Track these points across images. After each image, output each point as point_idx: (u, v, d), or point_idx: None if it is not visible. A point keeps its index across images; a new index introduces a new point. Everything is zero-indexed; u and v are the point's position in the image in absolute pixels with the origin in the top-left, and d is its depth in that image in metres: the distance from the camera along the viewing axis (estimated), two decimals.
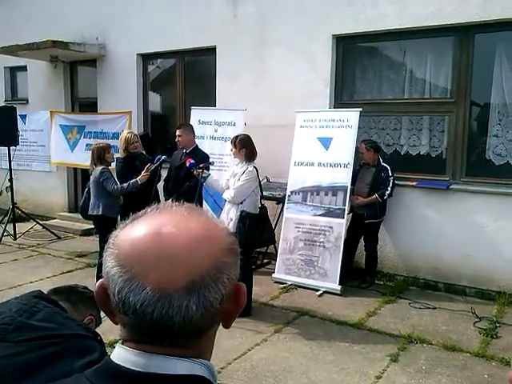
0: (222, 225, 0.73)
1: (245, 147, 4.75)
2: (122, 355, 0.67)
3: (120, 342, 0.70)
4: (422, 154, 5.71)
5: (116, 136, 7.57)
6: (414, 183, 5.53)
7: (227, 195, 4.75)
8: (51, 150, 8.39)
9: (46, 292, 1.38)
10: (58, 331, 1.07)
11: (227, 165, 6.06)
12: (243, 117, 6.15)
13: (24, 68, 8.96)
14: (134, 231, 0.67)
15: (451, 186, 5.36)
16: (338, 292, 5.25)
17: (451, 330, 4.46)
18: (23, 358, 0.99)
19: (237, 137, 4.87)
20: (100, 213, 5.12)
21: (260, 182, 4.94)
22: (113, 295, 0.65)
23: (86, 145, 7.92)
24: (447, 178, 5.47)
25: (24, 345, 1.01)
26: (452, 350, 4.04)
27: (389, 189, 5.35)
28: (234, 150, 4.81)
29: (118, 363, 0.67)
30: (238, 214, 4.61)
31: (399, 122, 5.86)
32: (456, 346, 4.08)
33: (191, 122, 6.26)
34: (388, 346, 4.12)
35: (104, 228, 5.20)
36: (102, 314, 1.97)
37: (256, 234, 4.59)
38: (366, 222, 5.45)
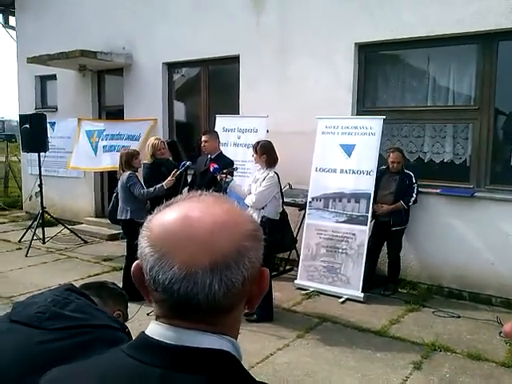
0: (245, 212, 0.79)
1: (266, 153, 4.81)
2: (155, 330, 0.73)
3: (154, 318, 0.76)
4: (445, 161, 5.68)
5: (131, 138, 7.71)
6: (438, 190, 5.49)
7: (249, 201, 4.81)
8: (72, 154, 8.55)
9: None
10: (89, 321, 1.14)
11: (249, 171, 6.13)
12: (265, 124, 6.22)
13: (54, 77, 9.24)
14: (165, 215, 0.74)
15: (475, 194, 5.31)
16: (361, 299, 5.24)
17: (476, 339, 4.42)
18: (57, 344, 1.06)
19: (258, 142, 4.93)
20: (128, 217, 5.24)
21: (281, 187, 4.99)
22: (146, 273, 0.72)
23: (103, 147, 8.05)
24: (471, 186, 5.42)
25: (58, 333, 1.08)
26: (477, 359, 4.00)
27: (414, 195, 5.34)
28: (255, 155, 4.87)
29: (152, 336, 0.73)
30: (259, 219, 4.66)
31: (422, 129, 5.84)
32: (481, 355, 4.04)
33: (216, 130, 6.36)
34: (411, 353, 4.10)
35: (132, 232, 5.31)
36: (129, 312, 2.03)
37: (277, 239, 4.64)
38: (392, 230, 5.44)
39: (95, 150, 8.25)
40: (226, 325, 0.75)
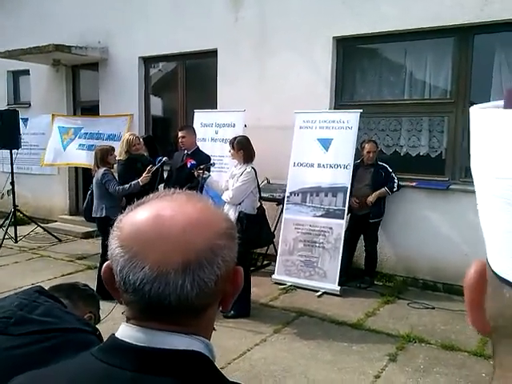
0: (219, 211, 0.76)
1: (243, 148, 4.78)
2: (125, 332, 0.71)
3: (125, 320, 0.74)
4: (421, 154, 5.73)
5: (112, 137, 7.59)
6: (414, 183, 5.54)
7: (226, 196, 4.77)
8: (46, 150, 8.40)
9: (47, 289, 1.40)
10: (57, 325, 1.09)
11: (227, 166, 6.08)
12: (243, 118, 6.18)
13: (27, 72, 9.03)
14: (136, 215, 0.71)
15: (451, 187, 5.37)
16: (338, 293, 5.25)
17: (450, 329, 4.46)
18: (25, 350, 1.01)
19: (235, 138, 4.90)
20: (104, 215, 5.14)
21: (258, 182, 4.96)
22: (116, 275, 0.70)
23: (79, 145, 7.90)
24: (447, 179, 5.48)
25: (25, 338, 1.03)
26: (450, 349, 4.04)
27: (395, 181, 5.38)
28: (232, 151, 4.83)
29: (122, 339, 0.71)
30: (237, 214, 4.62)
31: (399, 123, 5.88)
32: (454, 345, 4.08)
33: (194, 125, 6.30)
34: (386, 345, 4.12)
35: (107, 230, 5.18)
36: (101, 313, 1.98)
37: (254, 234, 4.61)
38: (370, 222, 5.48)
39: (66, 145, 8.09)
40: (199, 325, 0.73)
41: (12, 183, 7.52)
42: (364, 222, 5.52)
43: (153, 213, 0.70)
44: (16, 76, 9.51)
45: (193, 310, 0.70)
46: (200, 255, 0.67)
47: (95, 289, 5.21)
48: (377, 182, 5.44)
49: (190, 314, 0.70)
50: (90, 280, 5.46)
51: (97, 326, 1.80)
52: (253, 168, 4.74)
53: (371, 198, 5.43)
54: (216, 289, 0.70)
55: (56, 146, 8.18)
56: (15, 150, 7.51)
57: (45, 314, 1.10)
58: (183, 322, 0.70)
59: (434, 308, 4.94)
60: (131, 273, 0.67)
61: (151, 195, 0.76)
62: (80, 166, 8.08)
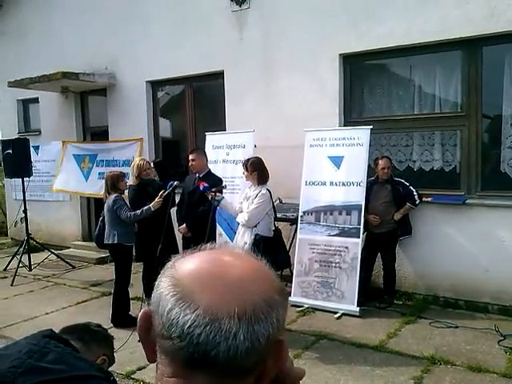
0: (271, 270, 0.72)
1: (256, 170, 4.75)
2: None
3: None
4: (435, 169, 5.65)
5: (127, 163, 7.62)
6: (429, 199, 5.45)
7: (241, 219, 4.72)
8: (57, 176, 8.45)
9: (57, 331, 1.35)
10: (69, 373, 1.03)
11: (239, 187, 6.05)
12: (252, 138, 6.16)
13: (36, 100, 9.12)
14: (194, 257, 0.68)
15: (467, 201, 5.27)
16: (357, 314, 5.14)
17: (475, 349, 4.33)
18: None
19: (248, 160, 4.87)
20: (116, 241, 5.11)
21: (274, 204, 4.91)
22: (160, 318, 0.63)
23: (99, 173, 7.97)
24: (462, 193, 5.39)
25: None
26: (478, 370, 3.91)
27: (415, 194, 5.30)
28: (245, 173, 4.80)
29: None
30: (253, 237, 4.57)
31: (411, 138, 5.82)
32: (482, 366, 3.95)
33: (206, 148, 6.29)
34: (411, 368, 4.00)
35: (120, 256, 5.19)
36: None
37: (271, 257, 4.52)
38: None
39: (87, 175, 8.16)
40: None
41: (25, 211, 7.53)
42: (381, 240, 5.43)
43: (212, 255, 0.68)
44: (26, 104, 9.62)
45: (237, 370, 0.62)
46: (256, 306, 0.62)
47: (110, 315, 5.19)
48: (397, 198, 5.37)
49: (233, 373, 0.63)
50: (105, 307, 5.45)
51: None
52: (268, 189, 4.70)
53: (397, 216, 5.36)
54: (263, 351, 0.63)
55: (75, 174, 8.25)
56: (27, 178, 7.54)
57: (55, 361, 1.04)
58: (224, 382, 0.62)
59: (457, 327, 4.81)
60: (182, 313, 0.61)
61: (207, 245, 0.72)
62: (98, 196, 8.09)
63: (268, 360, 0.65)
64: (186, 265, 0.66)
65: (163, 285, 0.65)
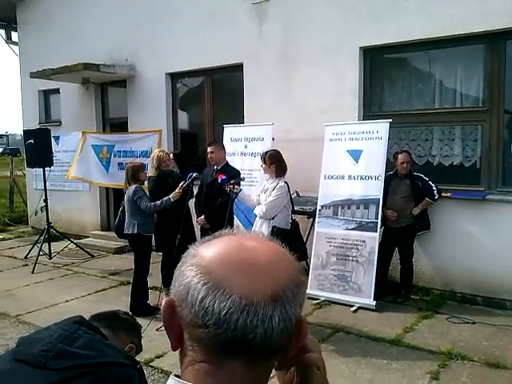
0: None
1: (275, 162, 4.76)
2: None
3: (173, 374, 0.68)
4: (455, 164, 5.60)
5: (144, 154, 7.68)
6: (449, 194, 5.40)
7: (259, 211, 4.75)
8: (72, 164, 8.56)
9: (87, 318, 1.38)
10: (97, 359, 1.06)
11: (256, 180, 6.07)
12: (271, 131, 6.16)
13: (57, 91, 9.24)
14: (216, 244, 0.69)
15: (487, 197, 5.22)
16: (373, 307, 5.15)
17: (493, 345, 4.31)
18: None
19: (266, 152, 4.88)
20: (136, 231, 5.18)
21: (291, 197, 4.92)
22: (191, 307, 0.64)
23: (118, 164, 8.04)
24: (482, 188, 5.34)
25: (64, 372, 1.00)
26: (496, 366, 3.89)
27: (434, 188, 5.28)
28: (264, 165, 4.82)
29: None
30: (270, 229, 4.59)
31: (430, 132, 5.77)
32: (500, 362, 3.94)
33: (224, 140, 6.32)
34: (427, 362, 4.01)
35: (140, 246, 5.26)
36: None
37: (288, 250, 4.55)
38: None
39: (106, 166, 8.24)
40: (266, 371, 0.68)
41: (45, 200, 7.66)
42: (399, 235, 5.41)
43: (235, 241, 0.69)
44: (47, 95, 9.75)
45: (271, 351, 0.64)
46: (286, 288, 0.65)
47: (129, 304, 5.27)
48: (416, 193, 5.34)
49: (268, 354, 0.65)
50: (124, 296, 5.54)
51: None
52: (285, 182, 4.71)
53: (416, 211, 5.35)
54: (293, 330, 0.66)
55: (96, 165, 8.37)
56: (48, 168, 7.66)
57: (85, 346, 1.07)
58: (258, 364, 0.65)
59: (474, 323, 4.79)
60: (216, 301, 0.61)
61: (223, 231, 0.73)
62: (119, 187, 8.15)
63: (293, 338, 0.68)
64: (212, 252, 0.67)
65: (190, 273, 0.65)
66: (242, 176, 5.32)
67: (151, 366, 4.04)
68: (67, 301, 5.71)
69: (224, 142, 6.08)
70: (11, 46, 10.35)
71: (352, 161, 5.60)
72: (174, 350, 0.69)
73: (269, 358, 0.67)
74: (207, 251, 0.67)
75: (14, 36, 10.31)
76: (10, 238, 9.59)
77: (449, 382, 3.71)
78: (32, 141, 7.50)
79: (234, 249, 0.67)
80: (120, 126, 8.57)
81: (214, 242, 0.70)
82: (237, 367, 0.64)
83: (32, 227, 9.99)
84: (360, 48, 5.90)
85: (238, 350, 0.63)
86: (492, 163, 5.31)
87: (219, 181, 4.97)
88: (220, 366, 0.64)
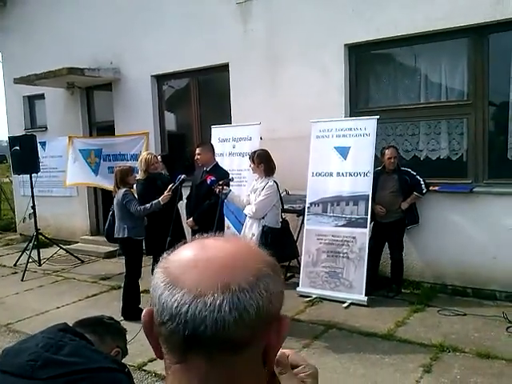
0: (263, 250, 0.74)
1: (263, 162, 4.77)
2: None
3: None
4: (441, 157, 5.65)
5: (134, 157, 7.64)
6: (436, 188, 5.45)
7: (248, 210, 4.75)
8: (67, 172, 8.49)
9: (71, 324, 1.37)
10: (85, 365, 1.05)
11: (245, 180, 6.07)
12: (258, 131, 6.17)
13: (42, 96, 9.16)
14: (184, 247, 0.71)
15: (474, 189, 5.27)
16: (365, 303, 5.17)
17: (484, 336, 4.36)
18: None
19: (254, 152, 4.89)
20: (126, 235, 5.15)
21: (281, 195, 4.93)
22: (155, 306, 0.66)
23: (108, 168, 7.98)
24: (469, 181, 5.39)
25: (52, 382, 1.00)
26: (486, 357, 3.93)
27: (422, 183, 5.33)
28: (252, 165, 4.82)
29: None
30: (260, 229, 4.60)
31: (417, 127, 5.81)
32: (490, 353, 3.98)
33: (212, 141, 6.30)
34: (420, 356, 4.04)
35: (130, 250, 5.24)
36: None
37: (279, 248, 4.57)
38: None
39: (95, 170, 8.18)
40: (236, 368, 0.65)
41: (33, 207, 7.59)
42: (388, 230, 5.44)
43: (199, 243, 0.71)
44: (32, 101, 9.66)
45: (230, 342, 0.63)
46: (240, 277, 0.64)
47: (121, 309, 5.23)
48: (404, 188, 5.38)
49: (226, 348, 0.63)
50: (115, 301, 5.50)
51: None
52: (275, 181, 4.72)
53: (404, 206, 5.38)
54: (257, 323, 0.64)
55: (84, 169, 8.30)
56: (35, 174, 7.59)
57: (71, 353, 1.06)
58: (218, 359, 0.64)
59: (465, 314, 4.84)
60: (170, 296, 0.64)
61: (195, 236, 0.75)
62: (108, 189, 8.08)
63: (271, 334, 0.67)
64: (176, 253, 0.70)
65: (157, 276, 0.68)
66: (230, 177, 5.31)
67: (144, 370, 4.01)
68: (58, 307, 5.66)
69: (212, 143, 6.07)
70: None
71: (340, 157, 5.62)
72: (159, 358, 0.70)
73: (231, 352, 0.64)
74: (173, 255, 0.70)
75: None
76: None
77: (441, 374, 3.74)
78: (18, 147, 7.43)
79: (194, 249, 0.69)
80: (107, 129, 8.51)
81: (184, 246, 0.72)
82: (201, 364, 0.64)
83: (20, 234, 9.89)
84: (345, 45, 5.92)
85: (193, 344, 0.63)
86: (478, 156, 5.36)
87: (208, 182, 4.97)
88: (188, 365, 0.65)
